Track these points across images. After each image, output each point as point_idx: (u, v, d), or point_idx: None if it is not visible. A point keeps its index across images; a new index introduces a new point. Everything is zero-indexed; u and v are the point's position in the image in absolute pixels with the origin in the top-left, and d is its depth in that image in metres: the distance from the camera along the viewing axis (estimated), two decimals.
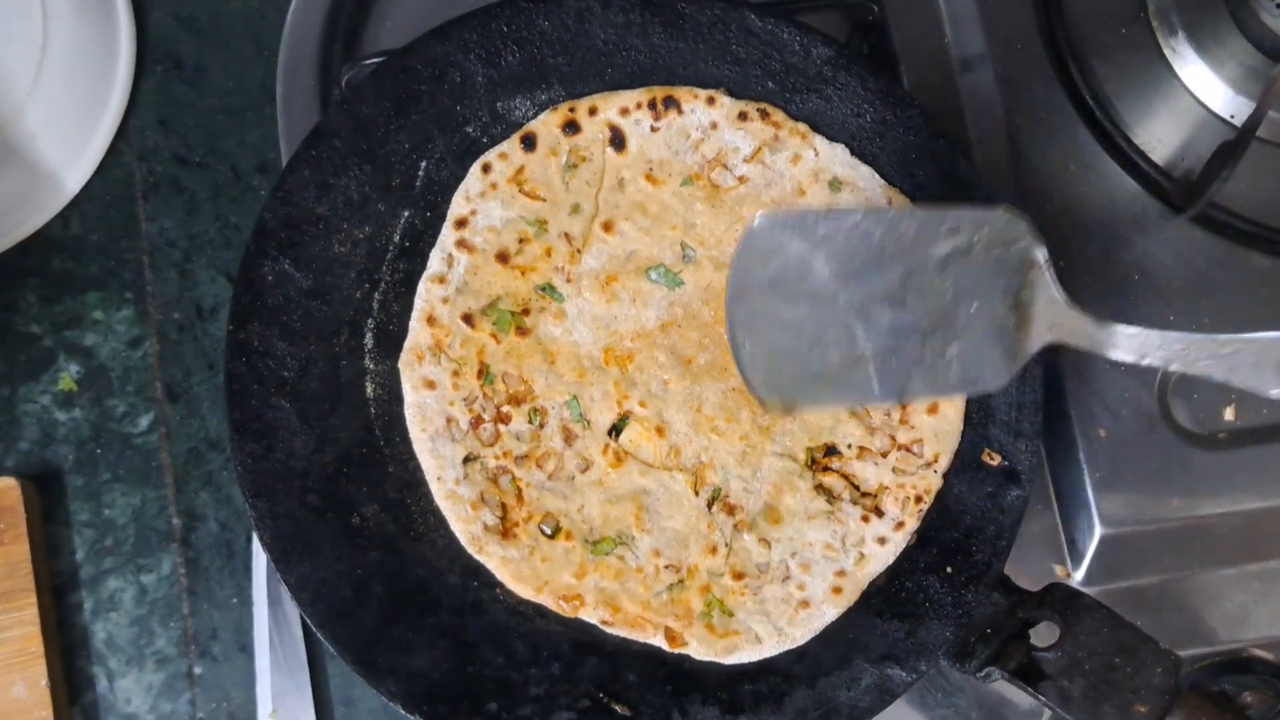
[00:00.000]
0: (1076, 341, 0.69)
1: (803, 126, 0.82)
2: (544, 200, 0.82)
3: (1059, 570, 0.90)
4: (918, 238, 0.69)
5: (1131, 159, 0.94)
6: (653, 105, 0.82)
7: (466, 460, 0.79)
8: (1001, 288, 0.69)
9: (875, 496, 0.79)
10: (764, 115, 0.82)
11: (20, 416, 0.92)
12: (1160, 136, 0.96)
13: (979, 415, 0.80)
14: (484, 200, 0.81)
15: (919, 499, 0.78)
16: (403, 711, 0.74)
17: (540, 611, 0.77)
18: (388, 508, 0.78)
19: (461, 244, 0.81)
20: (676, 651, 0.76)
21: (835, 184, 0.82)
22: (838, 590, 0.77)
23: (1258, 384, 0.64)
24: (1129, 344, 0.67)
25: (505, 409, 0.80)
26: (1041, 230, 0.92)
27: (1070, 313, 0.69)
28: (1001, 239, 0.69)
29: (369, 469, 0.79)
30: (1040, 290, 0.69)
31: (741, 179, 0.82)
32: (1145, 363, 0.66)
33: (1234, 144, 0.89)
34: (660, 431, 0.80)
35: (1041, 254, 0.69)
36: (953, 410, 0.79)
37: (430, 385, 0.79)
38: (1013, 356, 0.70)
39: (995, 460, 0.79)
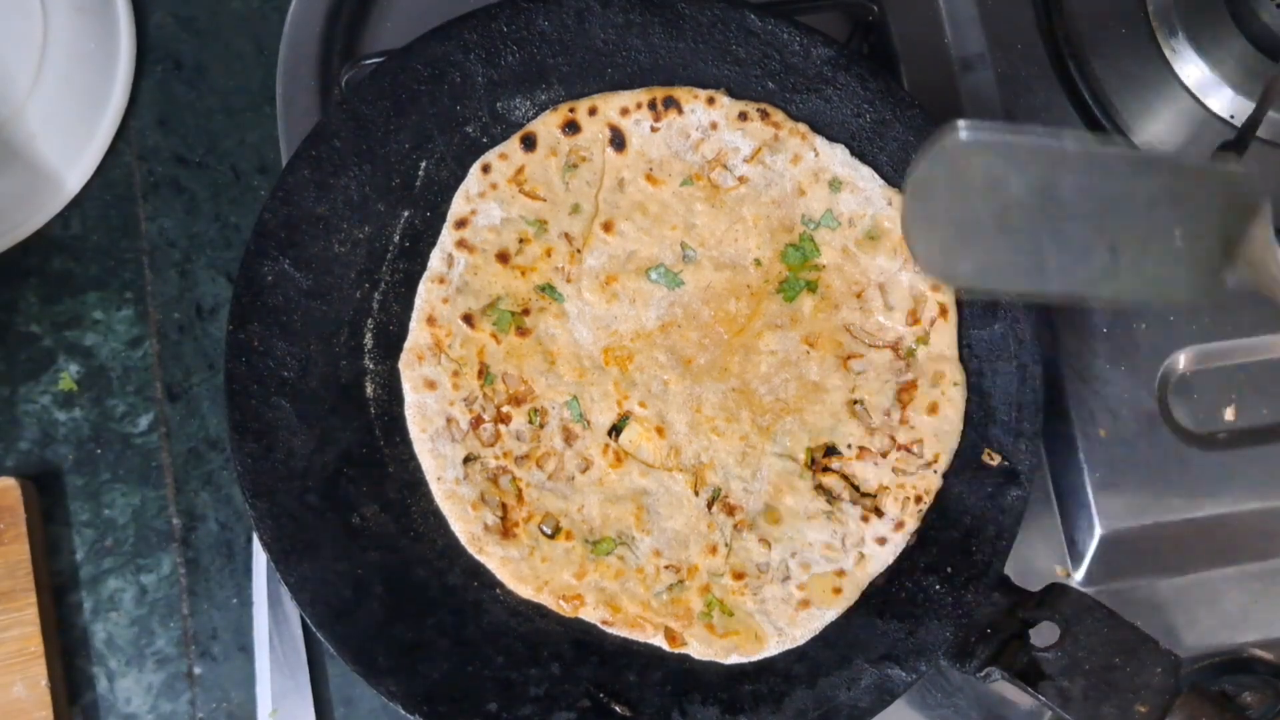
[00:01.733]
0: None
1: (802, 127, 0.82)
2: (544, 200, 0.82)
3: (1059, 570, 0.89)
4: (1129, 177, 0.66)
5: None
6: (653, 105, 0.82)
7: (467, 460, 0.79)
8: (1212, 229, 0.67)
9: (875, 497, 0.79)
10: (764, 115, 0.82)
11: (20, 416, 0.92)
12: (1160, 136, 0.96)
13: (979, 415, 0.80)
14: (484, 200, 0.81)
15: (919, 499, 0.78)
16: (403, 711, 0.74)
17: (540, 611, 0.77)
18: (388, 508, 0.78)
19: (461, 244, 0.81)
20: (676, 651, 0.76)
21: (835, 184, 0.82)
22: (838, 590, 0.77)
23: None
24: None
25: (505, 409, 0.80)
26: None
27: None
28: (1225, 190, 0.68)
29: (369, 469, 0.79)
30: (1259, 238, 0.67)
31: (741, 179, 0.82)
32: None
33: (1234, 144, 0.88)
34: (660, 432, 0.80)
35: (1268, 207, 0.67)
36: (952, 410, 0.79)
37: (430, 385, 0.79)
38: (1209, 282, 0.68)
39: (995, 460, 0.79)
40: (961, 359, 0.80)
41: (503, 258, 0.81)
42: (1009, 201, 0.65)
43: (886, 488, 0.79)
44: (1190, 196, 0.67)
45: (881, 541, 0.78)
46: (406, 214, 0.82)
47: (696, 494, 0.79)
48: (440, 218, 0.82)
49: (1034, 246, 0.66)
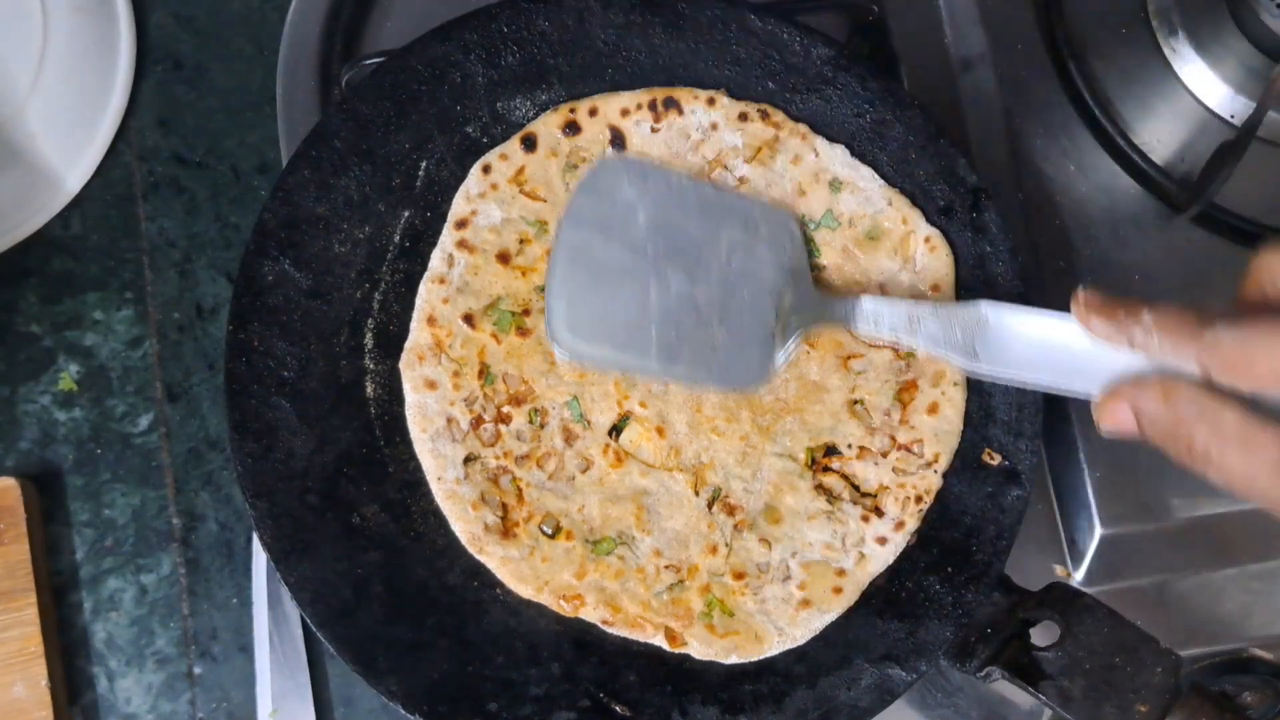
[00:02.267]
0: (824, 321, 0.74)
1: (803, 127, 0.82)
2: (544, 201, 0.82)
3: (1059, 570, 0.90)
4: (718, 214, 0.72)
5: (1131, 159, 0.94)
6: (653, 106, 0.82)
7: (467, 460, 0.79)
8: (770, 288, 0.73)
9: (875, 496, 0.79)
10: (764, 116, 0.82)
11: (20, 416, 0.92)
12: (1160, 136, 0.96)
13: (979, 415, 0.80)
14: (484, 201, 0.81)
15: (919, 499, 0.78)
16: (403, 711, 0.74)
17: (540, 611, 0.77)
18: (388, 508, 0.78)
19: (462, 244, 0.81)
20: (677, 651, 0.76)
21: (835, 184, 0.82)
22: (838, 590, 0.77)
23: (952, 357, 0.67)
24: (867, 316, 0.72)
25: (506, 409, 0.80)
26: (1042, 230, 0.93)
27: (819, 297, 0.74)
28: (778, 241, 0.74)
29: (369, 469, 0.79)
30: (799, 290, 0.73)
31: (742, 180, 0.82)
32: (882, 335, 0.71)
33: (1234, 144, 0.89)
34: (660, 432, 0.80)
35: (803, 260, 0.75)
36: (952, 410, 0.79)
37: (431, 386, 0.79)
38: (768, 359, 0.73)
39: (995, 460, 0.79)
40: None
41: (503, 258, 0.81)
42: (635, 233, 0.70)
43: (886, 487, 0.79)
44: (751, 243, 0.73)
45: (882, 541, 0.78)
46: (407, 214, 0.82)
47: (697, 494, 0.79)
48: (440, 218, 0.81)
49: (642, 299, 0.70)
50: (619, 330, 0.70)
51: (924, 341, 0.69)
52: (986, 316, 0.65)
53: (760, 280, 0.72)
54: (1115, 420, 0.59)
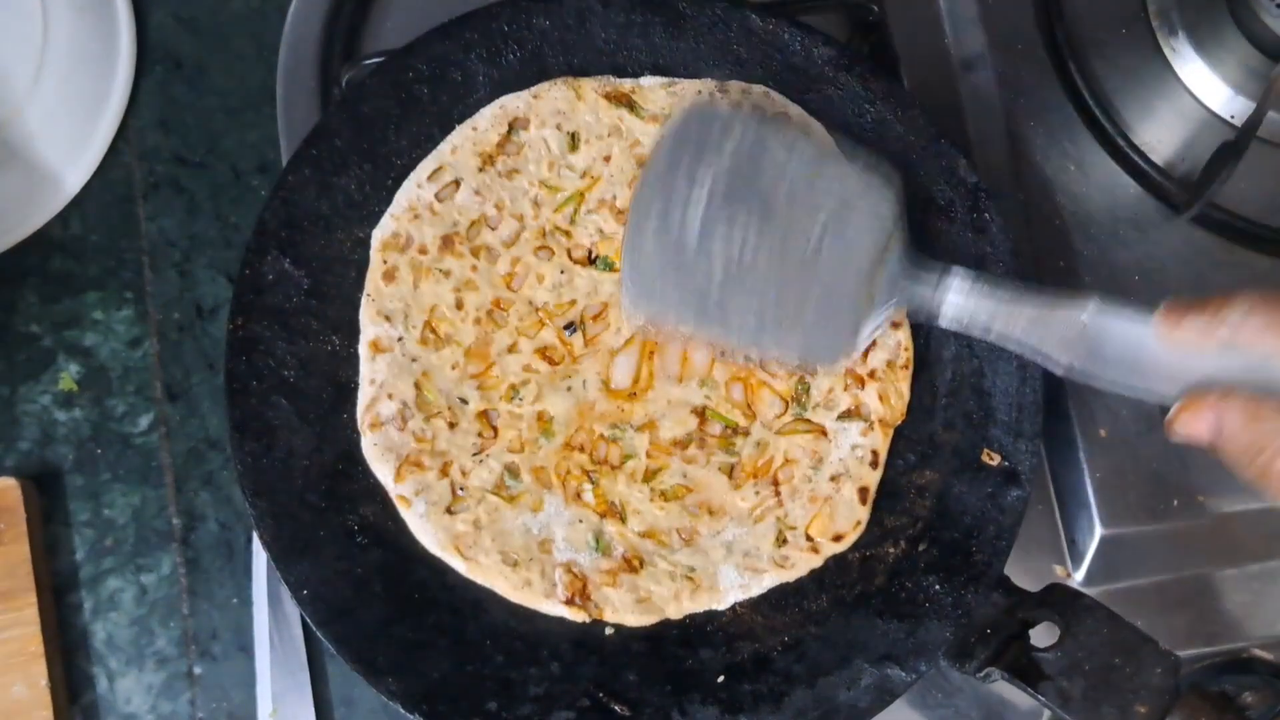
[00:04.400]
0: (914, 304, 0.68)
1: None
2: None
3: (1059, 570, 0.90)
4: (816, 194, 0.67)
5: (1131, 159, 0.94)
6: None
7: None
8: (859, 270, 0.68)
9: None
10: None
11: (20, 416, 0.92)
12: (1160, 136, 0.96)
13: (979, 415, 0.80)
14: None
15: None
16: (402, 711, 0.74)
17: (540, 611, 0.77)
18: (388, 507, 0.78)
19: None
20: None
21: None
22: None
23: (1038, 358, 0.65)
24: (954, 309, 0.67)
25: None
26: (1042, 230, 0.93)
27: (912, 270, 0.68)
28: (874, 219, 0.68)
29: (369, 468, 0.79)
30: (890, 257, 0.68)
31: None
32: (969, 330, 0.68)
33: (1234, 144, 0.89)
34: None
35: (900, 224, 0.69)
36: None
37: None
38: (854, 333, 0.69)
39: (995, 460, 0.79)
40: (961, 358, 0.80)
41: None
42: (711, 182, 0.66)
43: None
44: (847, 210, 0.68)
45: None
46: None
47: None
48: None
49: (712, 261, 0.67)
50: (694, 300, 0.67)
51: (1012, 344, 0.66)
52: (1084, 320, 0.63)
53: (849, 263, 0.68)
54: (1193, 429, 0.56)
